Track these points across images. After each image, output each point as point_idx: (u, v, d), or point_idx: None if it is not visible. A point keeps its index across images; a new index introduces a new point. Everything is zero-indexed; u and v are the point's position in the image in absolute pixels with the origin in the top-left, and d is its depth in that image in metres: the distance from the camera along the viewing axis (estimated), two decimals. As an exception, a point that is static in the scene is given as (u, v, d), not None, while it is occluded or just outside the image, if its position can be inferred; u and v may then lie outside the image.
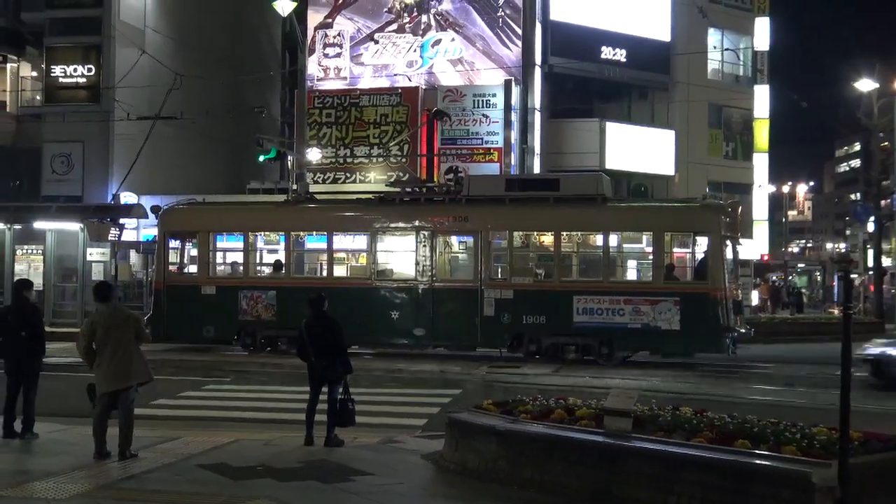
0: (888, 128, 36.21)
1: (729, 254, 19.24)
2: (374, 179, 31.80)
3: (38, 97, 35.68)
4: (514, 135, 32.71)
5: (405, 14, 34.60)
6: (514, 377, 17.28)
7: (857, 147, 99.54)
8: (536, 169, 33.37)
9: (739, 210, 21.39)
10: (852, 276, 40.11)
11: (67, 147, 33.53)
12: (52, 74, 33.71)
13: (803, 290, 50.27)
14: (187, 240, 22.15)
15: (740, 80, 42.22)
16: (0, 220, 27.42)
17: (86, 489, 8.27)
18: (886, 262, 39.81)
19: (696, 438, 7.63)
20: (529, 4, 33.98)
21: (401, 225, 20.84)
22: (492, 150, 32.08)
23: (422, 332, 20.22)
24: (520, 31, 33.65)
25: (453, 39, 34.06)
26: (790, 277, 53.17)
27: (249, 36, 41.45)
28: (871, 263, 38.49)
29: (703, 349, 19.37)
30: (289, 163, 29.81)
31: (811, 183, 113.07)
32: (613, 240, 20.18)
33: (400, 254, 20.94)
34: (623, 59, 35.97)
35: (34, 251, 28.30)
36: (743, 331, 19.57)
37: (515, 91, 32.74)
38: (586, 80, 36.52)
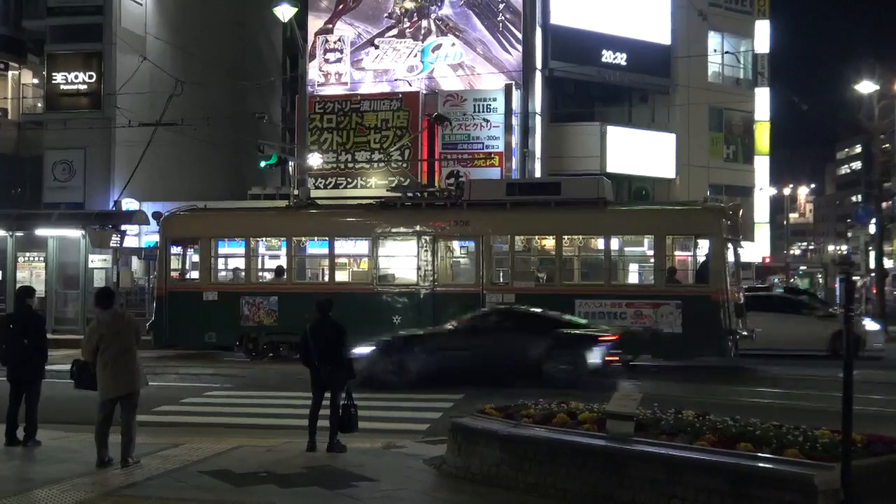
0: (889, 130, 36.25)
1: (730, 256, 19.22)
2: (375, 184, 31.81)
3: (39, 104, 35.72)
4: (515, 139, 32.73)
5: (405, 19, 34.64)
6: (515, 381, 17.22)
7: (858, 149, 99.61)
8: (537, 173, 33.40)
9: (741, 213, 21.40)
10: (854, 278, 40.06)
11: (69, 154, 33.56)
12: (54, 81, 33.75)
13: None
14: (189, 246, 22.16)
15: (741, 82, 42.26)
16: (2, 227, 27.43)
17: (88, 496, 8.27)
18: (888, 263, 39.86)
19: (698, 442, 7.63)
20: (530, 9, 34.02)
21: (402, 230, 20.84)
22: (493, 155, 32.09)
23: (424, 336, 20.17)
24: (520, 36, 33.69)
25: (454, 44, 34.10)
26: (791, 280, 53.10)
27: (250, 42, 41.50)
28: (872, 265, 38.47)
29: (705, 352, 19.34)
30: (290, 168, 29.85)
31: (812, 185, 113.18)
32: (615, 243, 20.18)
33: (401, 259, 20.94)
34: (623, 63, 36.00)
35: (36, 258, 28.30)
36: (745, 333, 19.55)
37: (516, 95, 32.76)
38: (587, 84, 36.58)
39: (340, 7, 35.18)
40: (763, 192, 43.06)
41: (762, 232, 42.93)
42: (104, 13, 33.33)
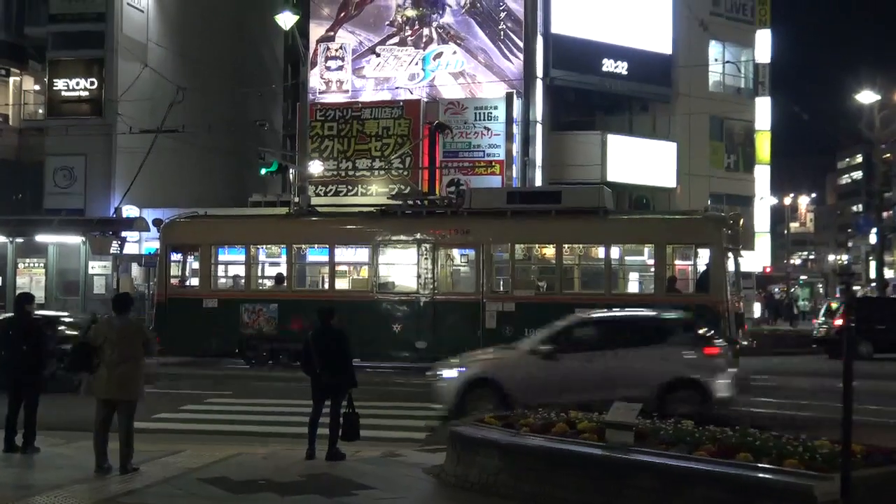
0: (890, 139, 36.25)
1: (731, 266, 19.23)
2: (375, 192, 31.83)
3: (40, 111, 35.74)
4: (516, 147, 32.75)
5: (407, 27, 34.69)
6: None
7: (859, 159, 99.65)
8: (538, 181, 33.39)
9: (741, 222, 21.40)
10: (855, 288, 40.08)
11: (70, 160, 33.58)
12: (55, 88, 33.79)
13: (802, 302, 50.26)
14: (189, 253, 22.16)
15: (742, 92, 42.27)
16: (2, 233, 27.45)
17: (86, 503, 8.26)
18: (888, 273, 39.88)
19: (697, 452, 7.62)
20: (531, 17, 34.06)
21: (402, 238, 20.85)
22: (493, 163, 32.11)
23: (424, 344, 20.19)
24: (521, 44, 33.72)
25: (455, 52, 34.14)
26: (792, 289, 53.12)
27: (251, 49, 41.55)
28: (873, 275, 38.46)
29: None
30: (291, 176, 29.87)
31: (813, 195, 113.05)
32: (615, 252, 20.19)
33: (402, 266, 20.95)
34: (624, 72, 36.03)
35: (36, 264, 28.32)
36: (745, 343, 19.53)
37: (517, 104, 32.78)
38: (588, 93, 36.61)
39: (342, 15, 35.23)
40: (764, 202, 43.05)
41: (763, 241, 42.90)
42: (106, 20, 33.38)
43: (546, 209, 20.12)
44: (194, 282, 22.05)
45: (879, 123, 35.79)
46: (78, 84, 33.67)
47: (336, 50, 35.07)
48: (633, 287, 20.71)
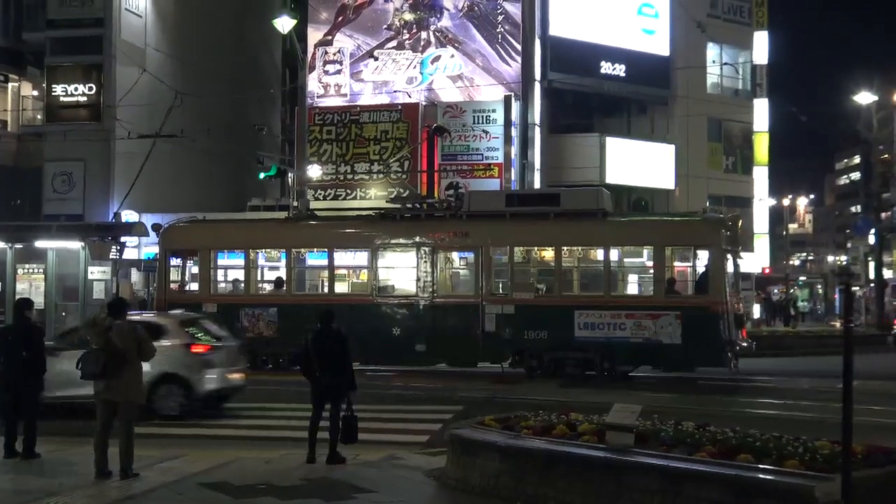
0: (888, 140, 36.31)
1: (730, 267, 19.23)
2: (374, 196, 31.83)
3: (39, 116, 35.74)
4: (515, 150, 32.77)
5: (405, 31, 34.72)
6: (515, 393, 17.24)
7: (857, 160, 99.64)
8: (537, 184, 33.42)
9: (740, 223, 21.40)
10: (854, 288, 40.10)
11: (68, 166, 33.56)
12: (53, 93, 33.77)
13: (802, 303, 50.29)
14: (188, 257, 22.15)
15: (740, 93, 42.33)
16: (1, 239, 27.42)
17: (87, 509, 8.26)
18: (888, 274, 39.89)
19: (698, 453, 7.62)
20: (528, 20, 34.10)
21: (402, 241, 20.85)
22: (492, 166, 32.12)
23: (423, 347, 20.18)
24: (519, 47, 33.75)
25: (453, 56, 34.17)
26: (791, 291, 53.13)
27: (250, 54, 41.57)
28: (872, 276, 38.48)
29: (704, 363, 19.32)
30: (289, 180, 29.87)
31: (811, 196, 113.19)
32: (614, 254, 20.19)
33: (401, 270, 20.95)
34: (622, 74, 36.06)
35: (35, 270, 28.26)
36: (745, 344, 19.54)
37: (515, 106, 32.81)
38: (586, 95, 36.63)
39: (340, 19, 35.26)
40: (762, 203, 43.09)
41: (762, 243, 42.93)
42: (104, 25, 33.37)
43: (545, 212, 20.13)
44: (194, 286, 22.03)
45: (877, 124, 35.88)
46: (76, 89, 33.66)
47: (334, 54, 35.09)
48: (632, 289, 20.71)
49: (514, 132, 32.74)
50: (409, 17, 34.75)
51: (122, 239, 27.32)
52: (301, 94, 31.84)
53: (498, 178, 31.93)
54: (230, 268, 22.59)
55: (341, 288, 21.87)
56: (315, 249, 22.35)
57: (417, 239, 20.48)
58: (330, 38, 35.22)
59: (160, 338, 13.21)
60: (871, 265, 38.91)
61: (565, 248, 20.17)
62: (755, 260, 40.30)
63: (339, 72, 35.01)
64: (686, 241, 19.87)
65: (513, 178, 32.47)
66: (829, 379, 17.38)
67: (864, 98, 34.79)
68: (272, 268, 22.55)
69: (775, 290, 53.35)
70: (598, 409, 10.07)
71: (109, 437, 9.52)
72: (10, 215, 32.43)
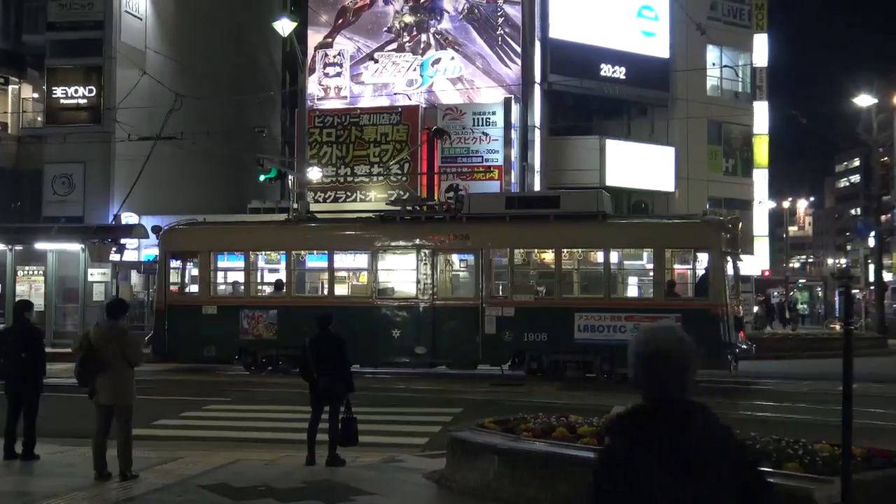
0: (888, 143, 36.31)
1: (730, 270, 19.23)
2: (374, 198, 31.83)
3: (39, 118, 35.76)
4: (515, 152, 32.76)
5: (405, 33, 34.73)
6: (515, 395, 17.25)
7: (857, 162, 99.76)
8: (537, 186, 33.42)
9: (740, 226, 21.41)
10: (853, 291, 40.07)
11: (68, 168, 33.60)
12: (54, 96, 33.81)
13: (801, 306, 50.28)
14: (188, 260, 22.16)
15: (739, 96, 42.34)
16: (1, 241, 27.47)
17: (86, 511, 8.26)
18: (887, 276, 39.88)
19: (698, 455, 7.59)
20: (528, 23, 34.11)
21: (401, 243, 20.86)
22: (492, 168, 32.11)
23: (423, 350, 20.19)
24: (519, 50, 33.76)
25: (453, 58, 34.18)
26: (791, 293, 53.14)
27: (250, 56, 41.61)
28: (872, 278, 38.47)
29: (704, 365, 19.19)
30: (289, 182, 29.87)
31: (811, 198, 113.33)
32: (614, 256, 20.19)
33: (401, 272, 20.96)
34: (622, 77, 36.08)
35: (35, 272, 28.33)
36: (744, 347, 19.54)
37: (515, 109, 32.81)
38: (586, 98, 36.64)
39: (340, 21, 35.27)
40: (762, 206, 43.09)
41: (761, 245, 42.93)
42: (104, 28, 33.40)
43: (545, 214, 20.14)
44: (193, 288, 22.04)
45: (877, 127, 35.84)
46: (76, 92, 33.69)
47: (334, 56, 35.10)
48: (632, 291, 20.73)
49: (514, 134, 32.74)
50: (409, 19, 34.76)
51: (122, 241, 27.39)
52: (301, 97, 31.84)
53: (498, 180, 31.92)
54: (230, 270, 22.61)
55: (341, 290, 21.88)
56: (315, 252, 22.36)
57: (417, 241, 20.49)
58: (330, 40, 35.22)
59: None
60: (871, 268, 38.89)
61: (565, 250, 20.18)
62: (755, 262, 40.30)
63: (338, 74, 35.02)
64: (686, 243, 19.89)
65: (513, 180, 32.46)
66: (828, 381, 17.39)
67: (864, 100, 34.78)
68: (272, 270, 22.57)
69: (775, 293, 53.36)
70: (598, 411, 10.07)
71: (107, 439, 9.52)
72: (10, 217, 32.47)
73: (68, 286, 28.09)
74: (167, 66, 35.26)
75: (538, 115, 34.29)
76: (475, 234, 20.20)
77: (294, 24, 28.77)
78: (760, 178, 42.72)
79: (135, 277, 29.59)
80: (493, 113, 32.38)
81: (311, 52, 34.80)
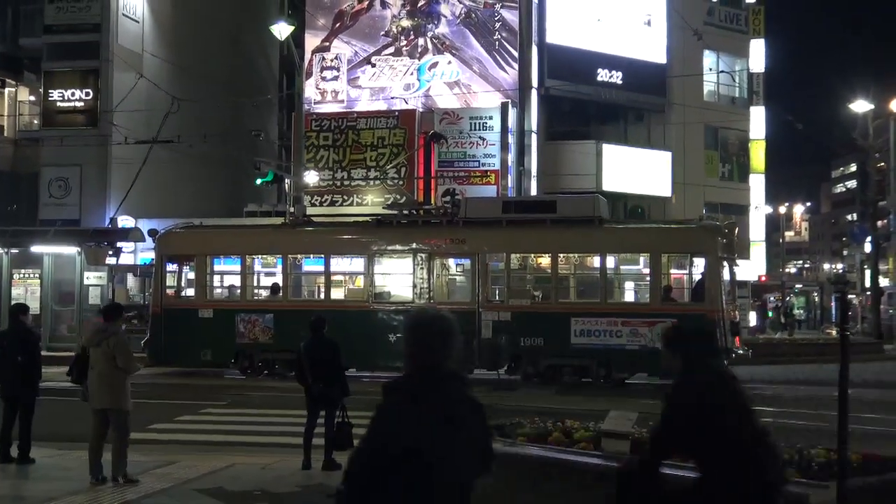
0: (884, 148, 36.40)
1: (726, 275, 19.27)
2: (371, 202, 31.84)
3: (35, 121, 35.73)
4: (511, 157, 32.77)
5: (402, 37, 34.75)
6: (511, 399, 17.23)
7: (854, 168, 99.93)
8: (533, 191, 33.43)
9: (736, 231, 21.45)
10: (850, 296, 40.15)
11: (65, 171, 33.55)
12: (50, 99, 33.77)
13: (798, 311, 50.36)
14: (184, 263, 22.15)
15: (736, 101, 42.38)
16: (-3, 244, 27.40)
17: (82, 514, 8.24)
18: (884, 282, 39.92)
19: (694, 460, 7.60)
20: (526, 27, 34.14)
21: (398, 247, 20.86)
22: (489, 173, 32.13)
23: (419, 354, 20.13)
24: (516, 54, 33.79)
25: (450, 62, 34.20)
26: (787, 298, 53.18)
27: (247, 60, 41.60)
28: (868, 284, 38.54)
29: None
30: (286, 186, 29.89)
31: (808, 204, 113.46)
32: (610, 261, 20.23)
33: (397, 276, 20.96)
34: (619, 82, 36.12)
35: (31, 275, 28.28)
36: (741, 352, 19.57)
37: (512, 113, 32.83)
38: (583, 103, 36.66)
39: (337, 25, 35.29)
40: (759, 211, 43.14)
41: (758, 250, 42.96)
42: (101, 31, 33.37)
43: (541, 218, 20.16)
44: (190, 292, 22.03)
45: (873, 133, 35.95)
46: (73, 95, 33.67)
47: (331, 60, 35.11)
48: (628, 296, 20.75)
49: (511, 139, 32.74)
50: (406, 23, 34.79)
51: (119, 244, 27.33)
52: (298, 100, 31.86)
53: (494, 184, 31.93)
54: (226, 273, 22.60)
55: (338, 294, 21.89)
56: (311, 255, 22.35)
57: (414, 245, 20.49)
58: (327, 44, 35.24)
59: None
60: (868, 273, 38.96)
61: (562, 255, 20.19)
62: (752, 267, 40.32)
63: (336, 78, 35.03)
64: (682, 248, 19.92)
65: (509, 184, 32.47)
66: (824, 387, 17.39)
67: (861, 106, 34.88)
68: (268, 274, 22.54)
69: (771, 298, 53.39)
70: (595, 416, 10.05)
71: (103, 443, 9.51)
72: (6, 220, 32.40)
73: (64, 289, 28.03)
74: (164, 69, 35.26)
75: (535, 119, 34.31)
76: (472, 239, 20.21)
77: (291, 28, 28.78)
78: (757, 184, 42.76)
79: (131, 281, 29.57)
80: (490, 117, 32.39)
81: (308, 55, 34.81)
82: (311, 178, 31.20)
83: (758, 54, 42.35)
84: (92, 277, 27.53)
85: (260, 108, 39.08)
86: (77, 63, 33.69)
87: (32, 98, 36.59)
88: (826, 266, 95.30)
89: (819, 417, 14.18)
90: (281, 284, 21.30)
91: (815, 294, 57.76)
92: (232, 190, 37.31)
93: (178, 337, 21.15)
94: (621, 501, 4.54)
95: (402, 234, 20.92)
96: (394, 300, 20.82)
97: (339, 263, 22.13)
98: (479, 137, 32.28)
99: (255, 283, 22.30)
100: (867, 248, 38.48)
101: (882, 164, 39.21)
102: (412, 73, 34.44)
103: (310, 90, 34.45)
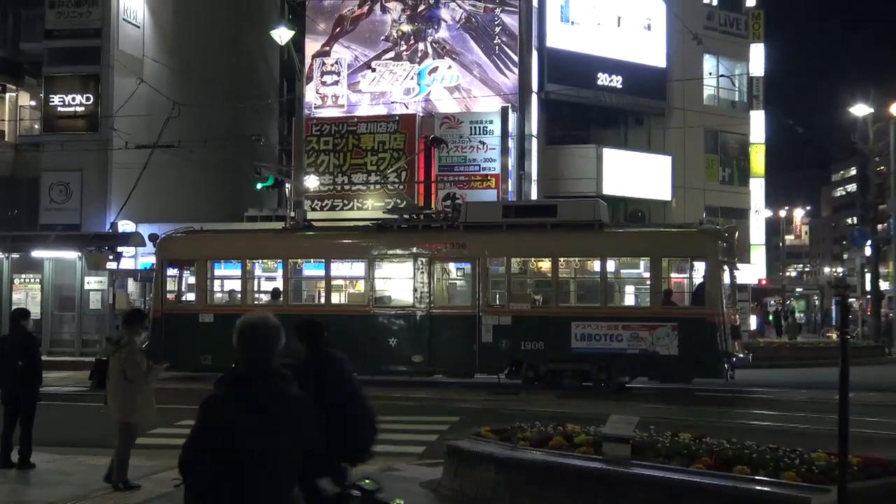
0: (884, 152, 36.37)
1: (726, 279, 19.26)
2: (371, 206, 31.84)
3: (36, 126, 35.73)
4: (512, 161, 32.78)
5: (402, 42, 34.78)
6: (512, 404, 17.23)
7: (854, 171, 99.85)
8: (533, 195, 33.44)
9: (736, 235, 21.45)
10: (850, 300, 40.12)
11: (66, 176, 33.54)
12: (51, 104, 33.77)
13: (798, 315, 50.35)
14: (185, 268, 22.14)
15: (736, 105, 42.41)
16: (-2, 249, 27.41)
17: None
18: (884, 285, 39.89)
19: (694, 464, 7.61)
20: (526, 32, 34.17)
21: (398, 252, 20.86)
22: (489, 177, 32.14)
23: (420, 358, 20.18)
24: (516, 59, 33.81)
25: (450, 67, 34.23)
26: (788, 302, 53.18)
27: (247, 65, 41.63)
28: (868, 287, 38.52)
29: (701, 374, 19.33)
30: (287, 190, 29.88)
31: (808, 207, 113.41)
32: (611, 265, 20.22)
33: (398, 281, 20.95)
34: (619, 86, 36.14)
35: (32, 280, 28.30)
36: (741, 356, 19.55)
37: (512, 118, 32.85)
38: (583, 107, 36.69)
39: (337, 30, 35.32)
40: (759, 215, 43.14)
41: (758, 254, 42.96)
42: (102, 36, 33.37)
43: (542, 223, 20.16)
44: (190, 297, 22.02)
45: (873, 136, 35.93)
46: (74, 100, 33.67)
47: (332, 65, 35.14)
48: (629, 300, 20.73)
49: (512, 143, 32.76)
50: (406, 28, 34.82)
51: (119, 249, 27.37)
52: (298, 105, 31.88)
53: (495, 189, 31.94)
54: (227, 278, 22.58)
55: (338, 299, 21.88)
56: (312, 260, 22.35)
57: (414, 250, 20.49)
58: (328, 49, 35.28)
59: None
60: (868, 277, 38.95)
61: (562, 259, 20.18)
62: (752, 271, 40.33)
63: (336, 83, 35.06)
64: (682, 252, 19.91)
65: (510, 189, 32.48)
66: (825, 390, 17.39)
67: (861, 110, 34.88)
68: (269, 278, 22.54)
69: (772, 302, 53.39)
70: (595, 420, 10.06)
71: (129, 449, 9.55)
72: (6, 225, 32.42)
73: (65, 294, 28.05)
74: (164, 74, 35.28)
75: (535, 123, 34.34)
76: (472, 243, 20.21)
77: (292, 33, 28.81)
78: (757, 187, 42.77)
79: (131, 286, 29.56)
80: (491, 122, 32.41)
81: (308, 60, 34.84)
82: (312, 182, 31.20)
83: (758, 58, 42.38)
84: (92, 282, 27.55)
85: (260, 113, 39.14)
86: (78, 68, 33.68)
87: (33, 103, 36.61)
88: (826, 270, 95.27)
89: (819, 421, 14.19)
90: (281, 289, 21.28)
91: (816, 298, 57.77)
92: (232, 194, 37.32)
93: (179, 341, 21.11)
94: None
95: (403, 239, 20.92)
96: (394, 304, 20.82)
97: (340, 268, 22.13)
98: (480, 142, 32.29)
99: (256, 288, 22.28)
100: (867, 251, 38.44)
101: (882, 167, 39.14)
102: (412, 78, 34.47)
103: (310, 95, 34.48)
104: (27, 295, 27.78)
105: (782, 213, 71.69)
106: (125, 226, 30.63)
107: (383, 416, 15.30)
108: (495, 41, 33.98)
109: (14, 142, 36.19)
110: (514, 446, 8.92)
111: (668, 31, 37.35)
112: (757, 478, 7.17)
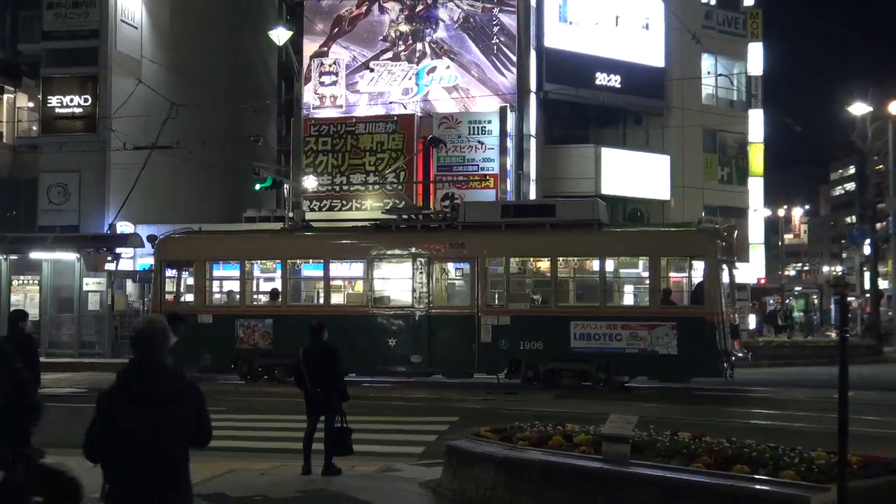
0: (882, 151, 36.38)
1: (725, 278, 19.26)
2: (370, 207, 31.84)
3: (34, 127, 35.74)
4: (510, 161, 32.79)
5: (400, 42, 34.78)
6: (511, 403, 17.23)
7: (852, 170, 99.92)
8: (532, 195, 33.43)
9: (735, 234, 21.43)
10: (849, 298, 40.13)
11: (64, 177, 33.54)
12: (49, 105, 33.76)
13: (797, 314, 50.34)
14: (184, 269, 22.12)
15: (735, 104, 42.41)
16: (-4, 250, 27.38)
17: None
18: (883, 284, 39.89)
19: (694, 464, 7.60)
20: (524, 32, 34.16)
21: (397, 252, 20.85)
22: (488, 177, 32.16)
23: (419, 358, 20.17)
24: (514, 59, 33.81)
25: (448, 67, 34.22)
26: (787, 301, 53.19)
27: (245, 65, 41.63)
28: (868, 286, 38.53)
29: (700, 373, 19.33)
30: (285, 191, 29.89)
31: (807, 206, 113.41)
32: (610, 265, 20.20)
33: (397, 281, 20.94)
34: (618, 85, 36.14)
35: (30, 281, 28.27)
36: (741, 355, 19.55)
37: (511, 117, 32.85)
38: (581, 106, 36.69)
39: (335, 31, 35.31)
40: (757, 214, 43.12)
41: (757, 253, 42.95)
42: (99, 37, 33.37)
43: (541, 222, 20.16)
44: (189, 297, 22.00)
45: (872, 135, 35.92)
46: (72, 101, 33.65)
47: (330, 65, 35.13)
48: (628, 300, 20.72)
49: (510, 143, 32.77)
50: (404, 28, 34.82)
51: (118, 250, 27.36)
52: (297, 106, 31.88)
53: (493, 188, 31.95)
54: (226, 279, 22.56)
55: (337, 299, 21.87)
56: (311, 260, 22.34)
57: (413, 250, 20.49)
58: (326, 49, 35.26)
59: None
60: (867, 275, 38.96)
61: (561, 258, 20.17)
62: (751, 270, 40.33)
63: (334, 83, 35.05)
64: (681, 251, 19.90)
65: (508, 188, 32.49)
66: (824, 389, 17.38)
67: (859, 109, 34.88)
68: (268, 279, 22.52)
69: (771, 301, 53.39)
70: (595, 419, 10.05)
71: None
72: (5, 227, 32.40)
73: (63, 296, 28.01)
74: (162, 74, 35.27)
75: (534, 123, 34.33)
76: (471, 243, 20.20)
77: (290, 34, 28.84)
78: (756, 187, 42.75)
79: (130, 287, 29.55)
80: (489, 122, 32.42)
81: (306, 60, 34.84)
82: (310, 183, 31.20)
83: (756, 57, 42.36)
84: (91, 283, 27.51)
85: (259, 114, 39.12)
86: (76, 69, 33.67)
87: (31, 104, 36.60)
88: (825, 268, 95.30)
89: (819, 420, 14.19)
90: (280, 290, 21.27)
91: (815, 297, 57.76)
92: (231, 195, 37.31)
93: (178, 342, 21.04)
94: None
95: (402, 239, 20.91)
96: (393, 305, 20.81)
97: (339, 268, 22.12)
98: (478, 142, 32.30)
99: (255, 289, 22.27)
100: (866, 250, 38.45)
101: (881, 166, 39.15)
102: (411, 78, 34.47)
103: (308, 95, 34.48)
104: (25, 296, 27.76)
105: (781, 212, 71.68)
106: (123, 227, 30.62)
107: (383, 416, 15.36)
108: (493, 41, 33.98)
109: (12, 143, 36.18)
110: (514, 446, 8.91)
111: (666, 30, 37.37)
112: (756, 477, 7.17)
